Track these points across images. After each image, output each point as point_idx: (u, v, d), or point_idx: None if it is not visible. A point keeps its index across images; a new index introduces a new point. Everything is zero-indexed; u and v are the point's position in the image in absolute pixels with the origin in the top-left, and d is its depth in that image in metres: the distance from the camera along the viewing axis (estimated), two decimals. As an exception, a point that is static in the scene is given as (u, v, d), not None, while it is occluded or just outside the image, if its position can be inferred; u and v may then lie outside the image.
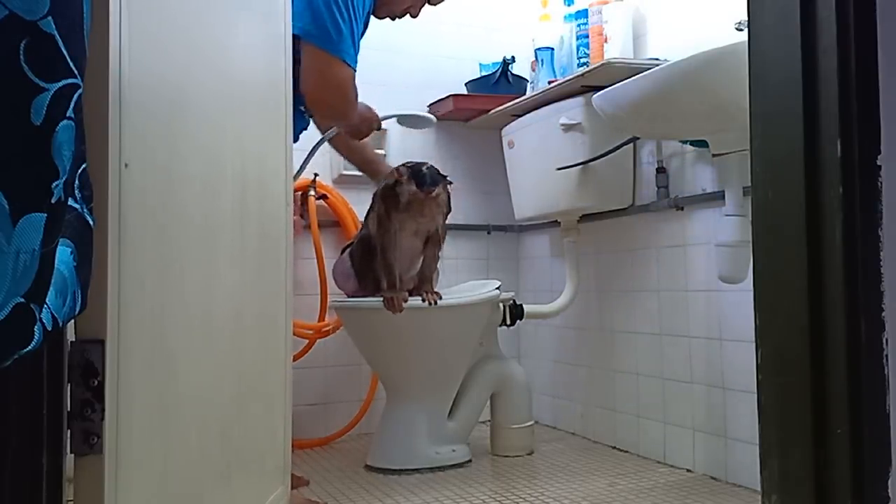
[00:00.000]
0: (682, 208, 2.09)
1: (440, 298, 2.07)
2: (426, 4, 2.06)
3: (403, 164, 2.13)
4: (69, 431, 0.75)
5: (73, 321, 0.69)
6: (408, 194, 2.06)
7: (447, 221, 2.21)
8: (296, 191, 2.39)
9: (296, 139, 1.86)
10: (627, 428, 2.30)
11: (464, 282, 2.52)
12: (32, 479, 0.70)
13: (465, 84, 2.75)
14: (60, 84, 0.51)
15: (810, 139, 0.89)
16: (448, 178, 2.13)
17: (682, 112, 1.74)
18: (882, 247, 0.85)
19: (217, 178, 1.09)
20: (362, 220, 2.34)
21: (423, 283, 2.13)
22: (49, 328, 0.56)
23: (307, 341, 2.46)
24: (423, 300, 2.05)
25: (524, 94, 2.61)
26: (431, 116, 2.32)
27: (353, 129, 2.05)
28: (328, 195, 2.56)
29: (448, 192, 2.13)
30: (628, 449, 2.29)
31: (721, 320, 1.95)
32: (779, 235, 0.94)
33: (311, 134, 2.15)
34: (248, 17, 1.26)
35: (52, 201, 0.52)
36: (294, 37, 1.72)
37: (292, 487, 1.71)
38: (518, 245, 2.93)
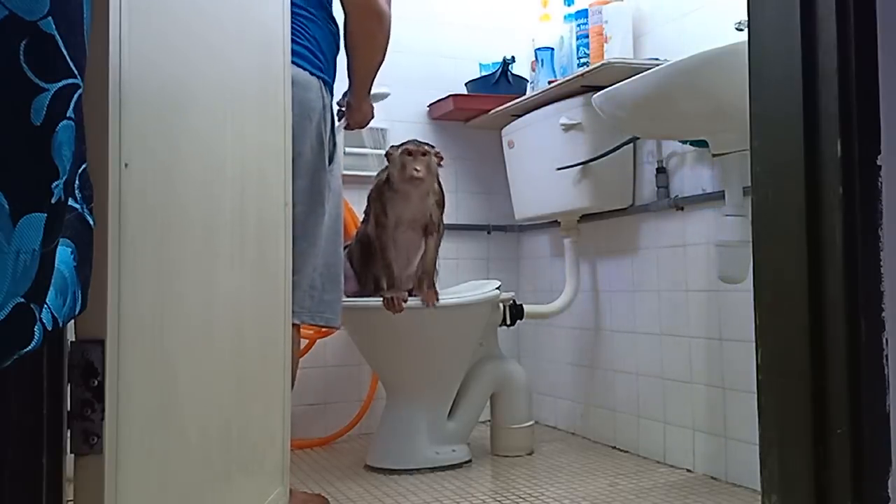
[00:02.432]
0: (682, 208, 2.09)
1: (438, 299, 2.07)
2: None
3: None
4: (69, 431, 0.75)
5: (73, 321, 0.69)
6: (399, 160, 2.09)
7: (445, 222, 2.21)
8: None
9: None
10: (627, 428, 2.30)
11: (464, 282, 2.52)
12: (32, 479, 0.70)
13: (465, 84, 2.75)
14: (60, 84, 0.51)
15: (810, 139, 0.89)
16: (436, 149, 2.15)
17: (682, 112, 1.74)
18: (882, 247, 0.85)
19: (217, 178, 1.09)
20: (361, 220, 2.34)
21: (424, 281, 2.13)
22: (49, 328, 0.56)
23: (307, 341, 2.46)
24: (422, 300, 2.05)
25: (524, 94, 2.61)
26: (385, 90, 2.31)
27: (362, 116, 2.03)
28: (328, 195, 2.56)
29: (440, 165, 2.14)
30: (628, 449, 2.29)
31: (721, 320, 1.95)
32: (779, 235, 0.94)
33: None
34: (246, 20, 1.26)
35: (53, 201, 0.52)
36: None
37: None
38: (518, 245, 2.93)
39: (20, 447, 0.70)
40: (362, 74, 1.93)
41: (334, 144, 1.86)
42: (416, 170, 2.07)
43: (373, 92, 2.13)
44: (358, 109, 2.01)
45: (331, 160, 1.83)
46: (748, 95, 0.99)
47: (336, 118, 1.96)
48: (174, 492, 0.94)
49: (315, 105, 1.75)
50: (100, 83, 0.74)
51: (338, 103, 2.05)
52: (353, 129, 2.10)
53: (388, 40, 1.86)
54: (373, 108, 2.05)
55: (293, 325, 1.72)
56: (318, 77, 1.78)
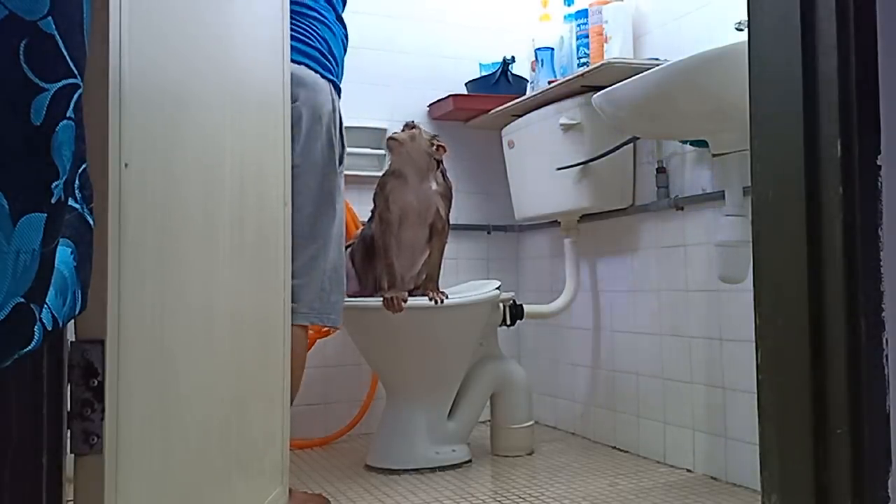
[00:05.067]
0: (682, 208, 2.09)
1: (446, 297, 2.07)
2: None
3: None
4: (69, 431, 0.75)
5: (73, 321, 0.69)
6: (389, 142, 2.13)
7: (450, 223, 2.21)
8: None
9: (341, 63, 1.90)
10: (627, 428, 2.30)
11: (464, 282, 2.52)
12: (32, 479, 0.70)
13: (465, 84, 2.75)
14: (60, 84, 0.51)
15: (810, 139, 0.89)
16: (438, 138, 2.16)
17: (682, 112, 1.74)
18: (882, 247, 0.85)
19: (216, 178, 1.09)
20: (362, 220, 2.34)
21: (429, 282, 2.13)
22: (49, 328, 0.56)
23: (307, 341, 2.46)
24: (430, 299, 2.05)
25: (524, 94, 2.61)
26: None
27: None
28: (328, 195, 2.56)
29: (440, 152, 2.14)
30: (628, 449, 2.29)
31: (721, 320, 1.95)
32: (779, 235, 0.94)
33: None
34: (245, 20, 1.26)
35: (53, 201, 0.52)
36: None
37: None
38: (518, 245, 2.93)
39: (20, 447, 0.70)
40: None
41: (343, 146, 1.88)
42: (393, 134, 2.11)
43: None
44: None
45: (341, 161, 1.85)
46: (748, 95, 0.99)
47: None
48: (174, 492, 0.94)
49: (325, 107, 1.78)
50: (100, 83, 0.74)
51: None
52: None
53: None
54: None
55: (302, 326, 1.73)
56: (328, 80, 1.80)
